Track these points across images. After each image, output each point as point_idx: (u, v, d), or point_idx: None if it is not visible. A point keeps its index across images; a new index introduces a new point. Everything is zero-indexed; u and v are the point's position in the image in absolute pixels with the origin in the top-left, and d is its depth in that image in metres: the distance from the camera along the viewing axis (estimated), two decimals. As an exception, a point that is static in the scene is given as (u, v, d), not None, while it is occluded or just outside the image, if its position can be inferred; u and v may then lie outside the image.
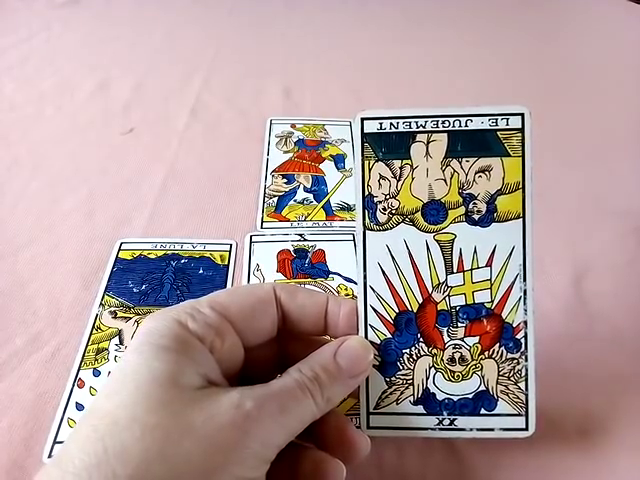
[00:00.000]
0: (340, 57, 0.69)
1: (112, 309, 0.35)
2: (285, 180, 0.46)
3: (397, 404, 0.24)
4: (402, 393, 0.24)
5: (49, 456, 0.27)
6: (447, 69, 0.67)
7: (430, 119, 0.23)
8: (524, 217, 0.23)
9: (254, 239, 0.40)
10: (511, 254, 0.24)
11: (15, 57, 0.66)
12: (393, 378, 0.24)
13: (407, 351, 0.24)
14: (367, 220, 0.24)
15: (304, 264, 0.38)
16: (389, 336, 0.24)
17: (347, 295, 0.36)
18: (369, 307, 0.24)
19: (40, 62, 0.65)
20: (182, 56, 0.69)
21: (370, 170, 0.24)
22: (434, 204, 0.24)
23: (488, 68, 0.68)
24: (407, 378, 0.24)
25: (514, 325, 0.24)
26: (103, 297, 0.35)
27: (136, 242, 0.40)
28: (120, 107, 0.57)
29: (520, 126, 0.23)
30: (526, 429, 0.24)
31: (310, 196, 0.45)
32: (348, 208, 0.43)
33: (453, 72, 0.67)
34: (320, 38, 0.75)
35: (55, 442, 0.28)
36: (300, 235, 0.41)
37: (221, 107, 0.57)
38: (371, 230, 0.24)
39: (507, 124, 0.23)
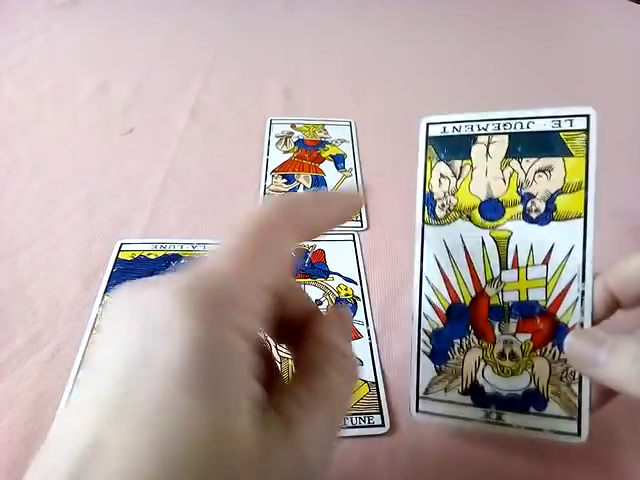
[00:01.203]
0: (340, 57, 0.70)
1: (112, 309, 0.35)
2: (285, 180, 0.46)
3: (445, 392, 0.25)
4: (451, 382, 0.25)
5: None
6: (446, 70, 0.67)
7: (491, 122, 0.24)
8: (585, 217, 0.23)
9: (254, 239, 0.40)
10: (570, 253, 0.23)
11: (15, 57, 0.66)
12: (443, 366, 0.25)
13: (457, 341, 0.25)
14: (426, 215, 0.25)
15: (304, 264, 0.38)
16: (441, 326, 0.25)
17: (347, 295, 0.36)
18: (424, 296, 0.25)
19: (40, 62, 0.65)
20: (182, 57, 0.69)
21: (432, 170, 0.25)
22: (491, 202, 0.24)
23: (488, 68, 0.68)
24: (456, 367, 0.25)
25: (569, 326, 0.23)
26: (103, 297, 0.35)
27: (136, 243, 0.40)
28: (120, 107, 0.57)
29: (585, 127, 0.23)
30: (578, 435, 0.23)
31: (310, 196, 0.45)
32: (348, 208, 0.43)
33: (452, 73, 0.67)
34: (320, 38, 0.75)
35: (55, 442, 0.28)
36: (300, 235, 0.41)
37: (221, 107, 0.57)
38: (429, 225, 0.25)
39: (571, 125, 0.23)
